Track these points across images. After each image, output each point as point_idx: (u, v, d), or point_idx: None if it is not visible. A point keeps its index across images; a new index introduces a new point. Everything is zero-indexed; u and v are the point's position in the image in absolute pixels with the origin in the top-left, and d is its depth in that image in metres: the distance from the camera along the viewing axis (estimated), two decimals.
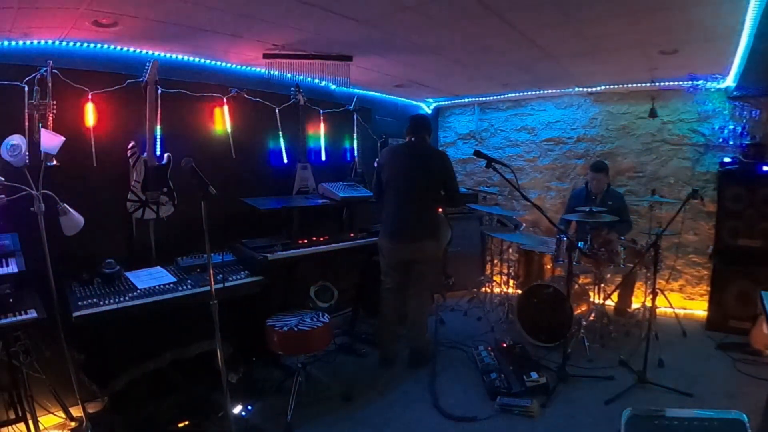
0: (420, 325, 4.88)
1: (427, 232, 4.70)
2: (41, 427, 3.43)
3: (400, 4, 3.36)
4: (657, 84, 6.20)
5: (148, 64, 4.00)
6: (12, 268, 3.19)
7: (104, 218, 4.00)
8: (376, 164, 5.08)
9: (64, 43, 3.79)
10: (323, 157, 5.86)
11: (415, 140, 4.80)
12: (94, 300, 3.35)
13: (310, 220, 5.22)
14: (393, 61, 5.05)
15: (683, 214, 4.69)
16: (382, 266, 4.87)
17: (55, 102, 3.56)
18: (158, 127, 4.20)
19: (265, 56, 4.45)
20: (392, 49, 4.51)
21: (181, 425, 3.65)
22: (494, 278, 6.94)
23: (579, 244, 5.12)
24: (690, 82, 5.91)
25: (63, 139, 3.42)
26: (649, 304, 4.84)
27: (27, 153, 3.35)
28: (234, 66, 4.94)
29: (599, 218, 5.07)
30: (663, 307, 5.88)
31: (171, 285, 3.75)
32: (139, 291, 3.58)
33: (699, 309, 6.20)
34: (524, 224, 7.02)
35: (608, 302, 5.60)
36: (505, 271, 6.73)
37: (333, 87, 6.00)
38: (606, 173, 5.92)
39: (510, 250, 6.79)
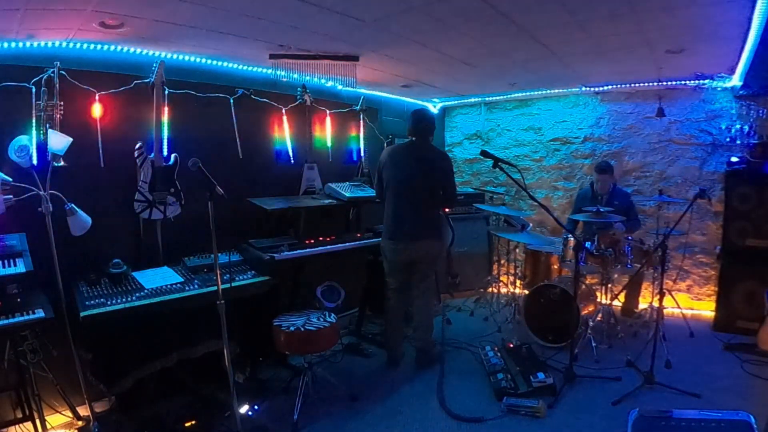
0: (426, 325, 4.88)
1: (428, 232, 4.69)
2: (48, 426, 3.45)
3: (406, 5, 3.36)
4: (664, 83, 6.17)
5: (155, 65, 4.01)
6: (20, 268, 3.21)
7: (112, 218, 4.02)
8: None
9: (71, 45, 3.80)
10: (330, 158, 5.87)
11: (416, 140, 4.77)
12: (102, 300, 3.37)
13: (316, 220, 5.23)
14: (399, 62, 5.05)
15: (690, 214, 4.66)
16: (386, 267, 4.87)
17: (62, 103, 3.58)
18: (165, 128, 4.21)
19: (272, 57, 4.45)
20: (399, 49, 4.51)
21: (188, 425, 3.66)
22: (501, 278, 6.93)
23: (586, 244, 5.11)
24: (696, 81, 5.89)
25: (70, 139, 3.44)
26: (656, 304, 4.81)
27: (35, 154, 3.37)
28: (240, 67, 4.94)
29: (606, 218, 5.06)
30: (670, 308, 5.85)
31: (178, 285, 3.76)
32: (146, 291, 3.60)
33: (706, 309, 6.17)
34: (531, 224, 7.01)
35: (615, 302, 5.59)
36: (512, 271, 6.73)
37: (340, 87, 6.00)
38: (611, 173, 5.90)
39: (517, 250, 6.78)
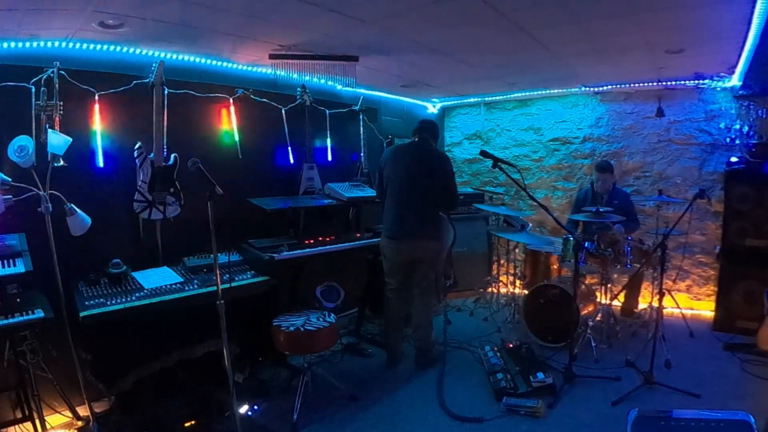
0: (425, 325, 4.88)
1: (427, 232, 4.70)
2: (48, 426, 3.45)
3: (406, 5, 3.36)
4: (663, 83, 6.17)
5: (154, 65, 4.01)
6: (19, 268, 3.21)
7: (111, 218, 4.02)
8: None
9: (70, 45, 3.80)
10: (329, 158, 5.87)
11: (418, 141, 4.81)
12: (101, 300, 3.37)
13: (316, 220, 5.24)
14: (399, 62, 5.05)
15: (690, 214, 4.66)
16: (385, 267, 4.87)
17: (61, 103, 3.58)
18: (165, 128, 4.21)
19: (271, 57, 4.45)
20: (398, 49, 4.51)
21: (187, 425, 3.66)
22: (501, 278, 6.93)
23: (586, 244, 5.11)
24: (696, 81, 5.89)
25: (70, 139, 3.44)
26: (656, 304, 4.82)
27: (34, 154, 3.37)
28: (240, 67, 4.94)
29: (606, 218, 5.06)
30: (670, 308, 5.86)
31: (178, 285, 3.76)
32: (145, 291, 3.60)
33: (706, 309, 6.17)
34: (531, 224, 7.01)
35: (615, 302, 5.59)
36: (512, 271, 6.73)
37: (339, 87, 6.00)
38: (611, 173, 5.90)
39: (516, 250, 6.79)
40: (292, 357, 4.71)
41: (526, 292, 5.73)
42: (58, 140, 3.38)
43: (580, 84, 6.62)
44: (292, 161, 5.36)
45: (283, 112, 5.28)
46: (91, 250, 3.81)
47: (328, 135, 5.86)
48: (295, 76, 4.75)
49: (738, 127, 5.90)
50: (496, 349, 4.88)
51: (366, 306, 5.80)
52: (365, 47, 4.42)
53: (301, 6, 3.30)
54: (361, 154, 6.10)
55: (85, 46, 3.87)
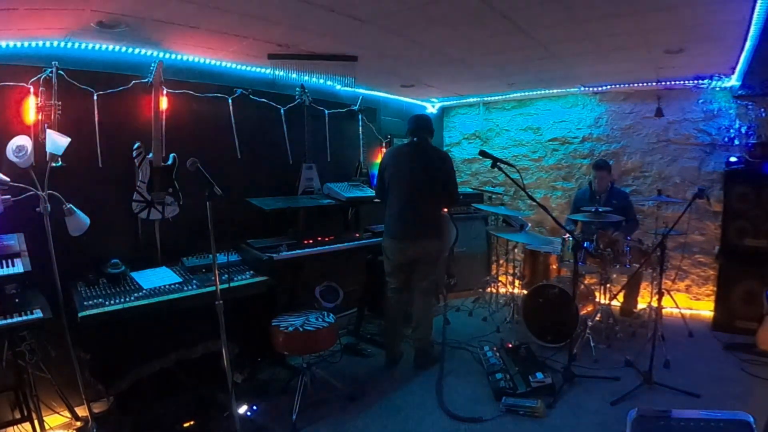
0: (425, 325, 4.88)
1: (430, 231, 4.70)
2: (47, 426, 3.45)
3: (404, 4, 3.35)
4: (663, 83, 6.17)
5: (153, 65, 4.01)
6: (18, 268, 3.20)
7: (110, 219, 4.01)
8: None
9: (69, 44, 3.78)
10: (328, 158, 5.87)
11: (417, 140, 4.79)
12: (100, 300, 3.36)
13: (315, 220, 5.24)
14: (397, 61, 5.04)
15: (689, 214, 4.67)
16: (387, 267, 4.87)
17: (60, 103, 3.58)
18: (164, 128, 4.20)
19: (270, 57, 4.45)
20: (397, 49, 4.50)
21: (186, 425, 3.66)
22: (500, 278, 6.94)
23: (585, 244, 5.11)
24: (695, 81, 5.89)
25: (68, 139, 3.43)
26: (655, 304, 4.82)
27: (33, 154, 3.37)
28: (239, 67, 4.93)
29: (605, 218, 5.06)
30: (669, 308, 5.85)
31: (176, 285, 3.75)
32: (144, 291, 3.59)
33: (705, 309, 6.17)
34: (530, 224, 7.01)
35: (614, 302, 5.59)
36: (511, 271, 6.74)
37: (338, 87, 6.00)
38: (608, 171, 5.90)
39: (515, 250, 6.79)
40: (291, 357, 4.70)
41: (525, 292, 5.73)
42: (56, 140, 3.38)
43: (579, 84, 6.62)
44: (290, 161, 5.36)
45: (282, 112, 5.28)
46: (90, 250, 3.81)
47: (327, 135, 5.86)
48: (294, 76, 4.76)
49: (737, 127, 5.90)
50: (495, 349, 4.88)
51: (365, 306, 5.79)
52: (364, 47, 4.41)
53: (300, 6, 3.29)
54: (360, 154, 6.10)
55: (83, 45, 3.86)
